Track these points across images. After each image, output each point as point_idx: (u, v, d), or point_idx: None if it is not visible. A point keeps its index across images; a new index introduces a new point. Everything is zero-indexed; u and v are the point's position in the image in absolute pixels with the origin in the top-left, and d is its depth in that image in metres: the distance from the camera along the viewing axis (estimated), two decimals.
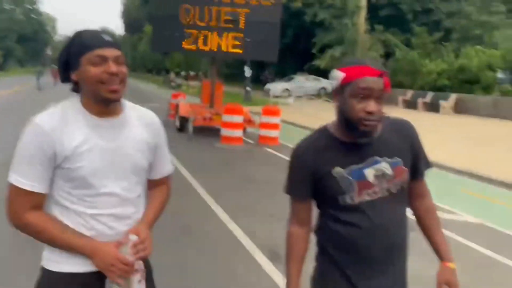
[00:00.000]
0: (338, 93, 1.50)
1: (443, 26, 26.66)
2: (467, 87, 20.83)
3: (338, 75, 1.48)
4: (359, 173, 1.50)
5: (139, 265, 1.49)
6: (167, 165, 1.72)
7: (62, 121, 1.40)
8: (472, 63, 20.84)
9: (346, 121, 1.47)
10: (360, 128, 1.44)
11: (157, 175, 1.68)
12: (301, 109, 17.75)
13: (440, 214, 1.75)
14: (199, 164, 8.06)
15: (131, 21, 74.63)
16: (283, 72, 34.38)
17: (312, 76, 29.44)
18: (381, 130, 1.54)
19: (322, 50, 26.82)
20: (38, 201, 1.41)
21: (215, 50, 11.18)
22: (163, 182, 1.72)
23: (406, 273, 1.66)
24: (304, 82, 28.69)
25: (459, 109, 19.47)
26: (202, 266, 3.78)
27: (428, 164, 1.66)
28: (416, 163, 1.61)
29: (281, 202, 5.98)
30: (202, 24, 11.06)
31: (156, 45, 12.13)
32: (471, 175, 7.95)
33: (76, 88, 1.47)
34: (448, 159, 8.68)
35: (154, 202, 1.67)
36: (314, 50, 27.03)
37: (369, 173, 1.50)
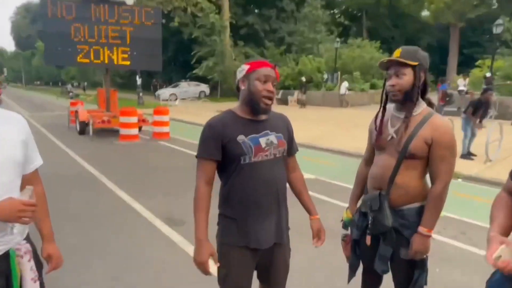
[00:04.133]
0: (244, 80, 1.60)
1: (286, 42, 28.64)
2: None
3: (245, 67, 1.60)
4: (255, 140, 1.59)
5: (27, 247, 1.34)
6: (37, 157, 1.47)
7: None
8: (307, 68, 22.91)
9: (251, 99, 1.57)
10: (261, 104, 1.56)
11: (30, 168, 1.43)
12: (186, 109, 17.53)
13: None
14: (102, 159, 7.49)
15: (22, 38, 63.97)
16: (170, 79, 33.37)
17: (193, 82, 29.15)
18: (268, 115, 1.66)
19: (199, 61, 26.68)
20: None
21: (107, 62, 10.37)
22: (35, 173, 1.47)
23: (287, 216, 1.76)
24: (187, 87, 28.28)
25: (299, 101, 21.36)
26: (111, 239, 3.63)
27: (297, 148, 1.84)
28: (292, 143, 1.77)
29: (174, 182, 6.02)
30: (93, 40, 10.15)
31: (49, 59, 10.72)
32: (310, 146, 8.92)
33: None
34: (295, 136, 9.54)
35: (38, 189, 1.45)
36: (192, 61, 26.73)
37: (262, 141, 1.61)
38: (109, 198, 4.96)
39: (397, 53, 1.71)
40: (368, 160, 1.98)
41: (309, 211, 1.85)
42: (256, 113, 1.62)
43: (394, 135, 1.75)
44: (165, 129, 10.22)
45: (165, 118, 10.29)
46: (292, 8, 29.70)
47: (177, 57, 32.68)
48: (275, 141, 1.65)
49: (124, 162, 7.34)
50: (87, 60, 10.27)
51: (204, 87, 28.83)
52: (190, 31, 26.80)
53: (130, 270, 3.01)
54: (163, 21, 20.13)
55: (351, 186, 2.09)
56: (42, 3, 9.87)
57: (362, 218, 1.90)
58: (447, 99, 9.87)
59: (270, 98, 1.59)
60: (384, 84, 1.79)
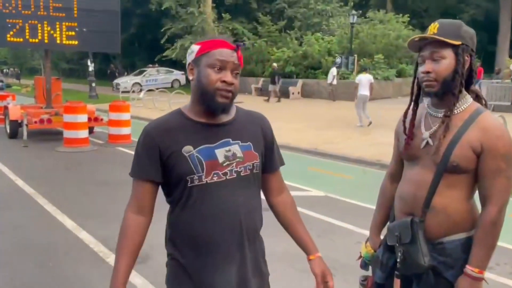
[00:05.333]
0: (194, 67, 1.53)
1: (286, 15, 28.80)
2: (311, 73, 23.01)
3: (194, 47, 1.53)
4: (209, 152, 1.50)
5: None
6: None
7: None
8: (313, 49, 23.02)
9: (203, 94, 1.49)
10: (216, 99, 1.47)
11: None
12: (153, 104, 17.46)
13: (291, 192, 1.89)
14: (39, 172, 7.41)
15: None
16: (133, 65, 33.30)
17: (164, 68, 29.12)
18: (235, 116, 1.59)
19: (172, 40, 26.66)
20: None
21: (47, 41, 10.29)
22: None
23: (260, 259, 1.67)
24: (155, 75, 28.24)
25: (305, 93, 21.47)
26: (49, 281, 3.54)
27: (282, 161, 1.75)
28: (271, 154, 1.69)
29: None
30: (28, 13, 10.06)
31: None
32: (317, 153, 8.91)
33: None
34: (297, 140, 9.57)
35: None
36: (162, 41, 26.70)
37: (220, 153, 1.52)
38: (46, 224, 4.88)
39: (433, 29, 1.67)
40: (395, 175, 1.95)
41: (306, 249, 1.75)
42: (210, 113, 1.54)
43: (430, 141, 1.72)
44: (125, 130, 10.16)
45: (125, 116, 10.25)
46: None
47: (143, 35, 32.62)
48: (239, 153, 1.56)
49: (68, 176, 7.24)
50: (20, 39, 10.19)
51: (178, 75, 28.80)
52: (160, 1, 26.78)
53: None
54: None
55: (373, 207, 2.04)
56: None
57: (388, 253, 1.86)
58: None
59: (230, 92, 1.50)
60: (416, 71, 1.76)
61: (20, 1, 9.95)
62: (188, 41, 25.84)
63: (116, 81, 27.57)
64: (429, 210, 1.70)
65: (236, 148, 1.56)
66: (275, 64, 21.33)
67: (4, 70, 39.36)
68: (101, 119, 10.54)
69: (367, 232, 2.06)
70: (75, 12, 10.38)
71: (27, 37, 10.16)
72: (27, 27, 10.09)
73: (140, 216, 1.55)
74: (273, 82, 20.24)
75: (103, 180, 6.91)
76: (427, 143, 1.72)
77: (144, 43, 33.87)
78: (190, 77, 1.55)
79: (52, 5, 10.16)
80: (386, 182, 2.00)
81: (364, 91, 12.07)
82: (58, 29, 10.32)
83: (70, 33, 10.43)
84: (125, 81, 27.05)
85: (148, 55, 31.94)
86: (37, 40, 10.28)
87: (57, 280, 3.58)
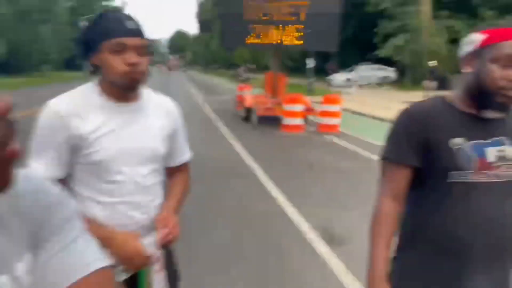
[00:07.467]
0: (473, 58, 1.27)
1: None
2: None
3: (476, 37, 1.27)
4: (481, 149, 1.26)
5: (157, 253, 1.38)
6: (185, 152, 1.62)
7: (78, 104, 1.32)
8: None
9: (480, 90, 1.25)
10: (497, 99, 1.22)
11: (175, 162, 1.58)
12: (362, 98, 17.11)
13: None
14: (261, 151, 8.10)
15: (204, 21, 76.52)
16: (345, 63, 33.36)
17: (375, 66, 28.30)
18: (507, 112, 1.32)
19: (385, 39, 25.60)
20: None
21: (277, 42, 11.12)
22: (181, 169, 1.62)
23: (509, 278, 1.37)
24: (366, 72, 27.66)
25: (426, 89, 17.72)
26: (254, 244, 3.80)
27: None
28: None
29: (339, 188, 5.87)
30: (266, 18, 11.04)
31: (226, 41, 12.37)
32: None
33: (95, 71, 1.36)
34: None
35: (175, 189, 1.58)
36: (376, 40, 25.88)
37: (491, 152, 1.26)
38: (261, 195, 5.26)
39: None
40: None
41: None
42: (484, 108, 1.27)
43: None
44: (334, 120, 10.27)
45: (335, 107, 10.34)
46: None
47: (358, 35, 32.23)
48: (511, 156, 1.26)
49: (282, 156, 7.72)
50: (256, 41, 11.25)
51: (390, 72, 27.52)
52: (377, 1, 25.98)
53: (262, 284, 3.05)
54: None
55: None
56: None
57: None
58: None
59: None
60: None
61: (261, 9, 10.96)
62: (401, 40, 24.41)
63: (329, 77, 28.15)
64: None
65: (509, 150, 1.28)
66: (434, 62, 18.09)
67: (247, 66, 44.63)
68: (314, 110, 10.87)
69: None
70: (303, 16, 10.86)
71: (262, 39, 11.17)
72: (263, 31, 11.08)
73: (395, 203, 1.35)
74: (432, 79, 17.21)
75: (310, 163, 7.08)
76: None
77: (358, 43, 33.49)
78: (467, 69, 1.29)
79: (284, 11, 10.88)
80: None
81: None
82: (288, 32, 11.00)
83: (297, 34, 11.00)
84: (338, 77, 27.34)
85: (360, 54, 31.52)
86: (269, 41, 11.19)
87: (261, 245, 3.78)
